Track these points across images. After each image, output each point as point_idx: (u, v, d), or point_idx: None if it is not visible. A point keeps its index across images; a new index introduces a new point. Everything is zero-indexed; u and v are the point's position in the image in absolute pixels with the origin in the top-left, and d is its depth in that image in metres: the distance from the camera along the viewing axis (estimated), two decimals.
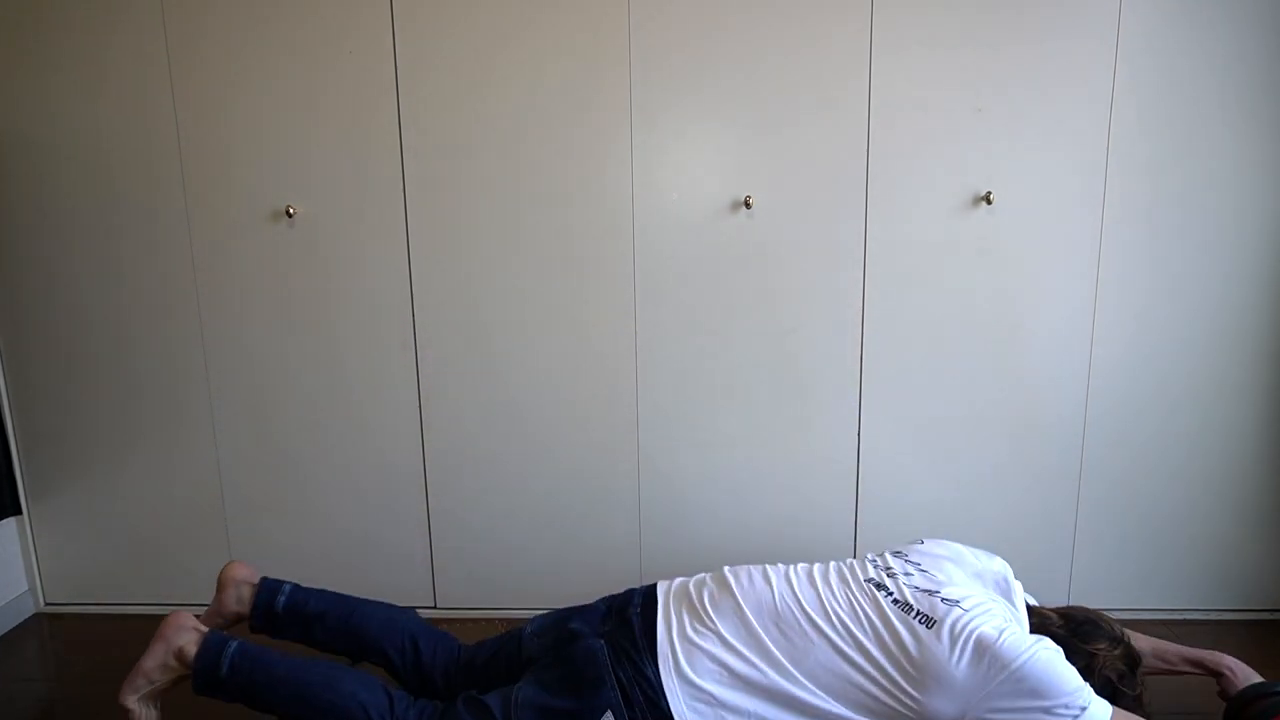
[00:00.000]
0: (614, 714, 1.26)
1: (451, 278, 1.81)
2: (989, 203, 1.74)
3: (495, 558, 1.94)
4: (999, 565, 1.43)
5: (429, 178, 1.77)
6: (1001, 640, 1.21)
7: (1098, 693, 1.25)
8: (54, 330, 1.88)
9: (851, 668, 1.27)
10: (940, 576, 1.36)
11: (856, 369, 1.82)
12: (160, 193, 1.80)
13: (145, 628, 1.90)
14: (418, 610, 1.56)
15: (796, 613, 1.32)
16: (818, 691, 1.26)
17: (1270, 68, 1.69)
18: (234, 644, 1.34)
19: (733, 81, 1.72)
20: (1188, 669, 1.48)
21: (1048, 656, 1.20)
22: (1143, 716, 1.29)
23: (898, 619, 1.29)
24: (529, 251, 1.80)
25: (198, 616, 1.45)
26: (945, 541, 1.49)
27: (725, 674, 1.29)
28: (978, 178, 1.74)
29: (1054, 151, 1.73)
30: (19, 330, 1.89)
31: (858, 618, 1.31)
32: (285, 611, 1.49)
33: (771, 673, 1.28)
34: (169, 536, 1.96)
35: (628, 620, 1.37)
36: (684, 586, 1.42)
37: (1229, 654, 1.55)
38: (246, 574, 1.55)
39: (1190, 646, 1.49)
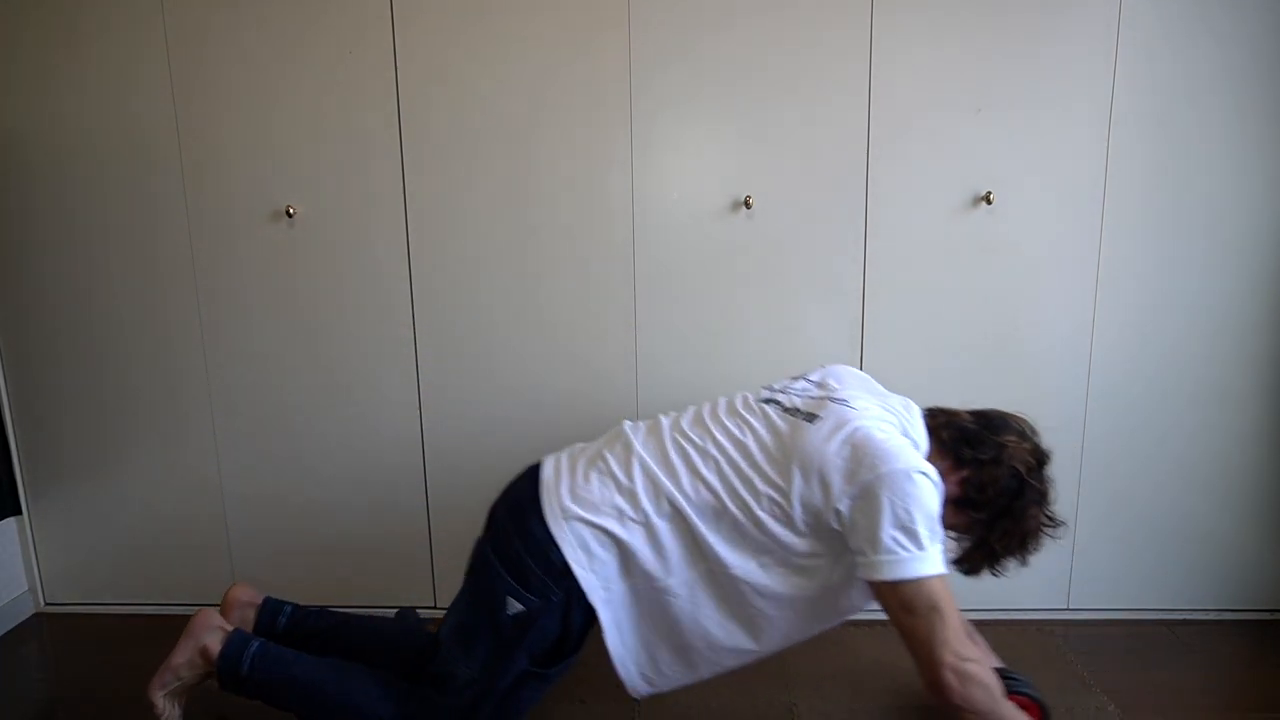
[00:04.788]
0: (514, 597, 1.25)
1: (451, 278, 1.81)
2: (989, 203, 1.74)
3: None
4: (903, 398, 1.39)
5: (429, 178, 1.77)
6: (885, 442, 1.18)
7: (1004, 485, 1.26)
8: (54, 330, 1.88)
9: (715, 463, 1.25)
10: (838, 386, 1.34)
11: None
12: (160, 193, 1.80)
13: (145, 628, 1.91)
14: (417, 610, 1.57)
15: (679, 436, 1.31)
16: (696, 500, 1.25)
17: (1270, 67, 1.69)
18: (255, 644, 1.38)
19: (733, 81, 1.72)
20: None
21: (925, 484, 1.17)
22: (1049, 517, 1.31)
23: (779, 418, 1.28)
24: (529, 251, 1.80)
25: None
26: (854, 369, 1.47)
27: (608, 506, 1.26)
28: (978, 178, 1.74)
29: (1054, 151, 1.73)
30: (19, 330, 1.89)
31: (739, 425, 1.29)
32: (285, 632, 1.51)
33: (649, 499, 1.26)
34: (169, 536, 1.95)
35: (511, 495, 1.36)
36: (576, 450, 1.40)
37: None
38: (250, 596, 1.56)
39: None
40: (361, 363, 1.85)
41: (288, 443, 1.90)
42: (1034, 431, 1.35)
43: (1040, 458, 1.31)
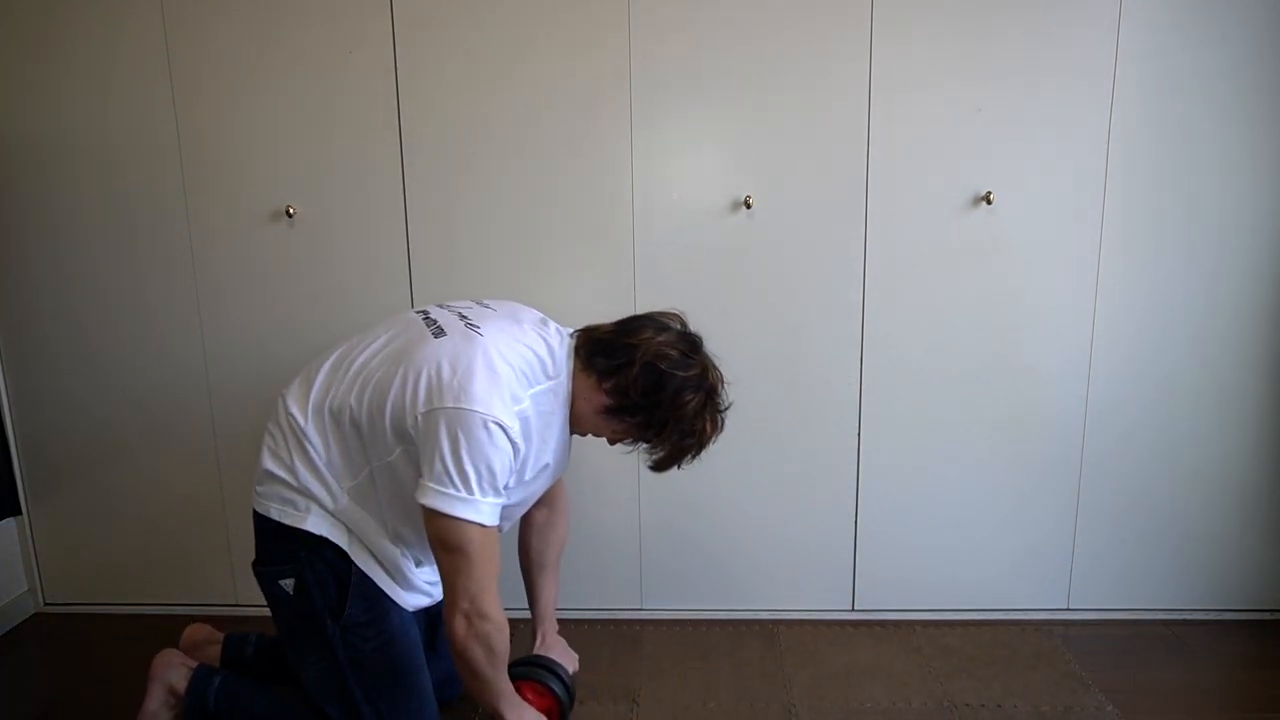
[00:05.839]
0: (280, 578, 1.30)
1: (451, 278, 1.81)
2: (989, 203, 1.73)
3: None
4: (564, 330, 1.40)
5: (429, 177, 1.77)
6: (481, 384, 1.19)
7: (645, 383, 1.26)
8: (54, 330, 1.88)
9: (346, 368, 1.31)
10: (486, 314, 1.36)
11: (856, 369, 1.82)
12: (160, 193, 1.80)
13: (145, 628, 1.91)
14: None
15: (335, 359, 1.35)
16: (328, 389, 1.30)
17: (1271, 66, 1.69)
18: (218, 679, 1.39)
19: (732, 81, 1.72)
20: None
21: (498, 438, 1.18)
22: (709, 397, 1.30)
23: (418, 327, 1.32)
24: (528, 252, 1.80)
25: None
26: (534, 310, 1.46)
27: (267, 452, 1.32)
28: (978, 178, 1.74)
29: (1054, 151, 1.73)
30: (19, 330, 1.89)
31: (383, 331, 1.34)
32: (255, 659, 1.51)
33: (286, 424, 1.31)
34: (169, 536, 1.95)
35: None
36: None
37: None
38: (208, 634, 1.56)
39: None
40: None
41: None
42: (679, 322, 1.35)
43: (685, 345, 1.30)
